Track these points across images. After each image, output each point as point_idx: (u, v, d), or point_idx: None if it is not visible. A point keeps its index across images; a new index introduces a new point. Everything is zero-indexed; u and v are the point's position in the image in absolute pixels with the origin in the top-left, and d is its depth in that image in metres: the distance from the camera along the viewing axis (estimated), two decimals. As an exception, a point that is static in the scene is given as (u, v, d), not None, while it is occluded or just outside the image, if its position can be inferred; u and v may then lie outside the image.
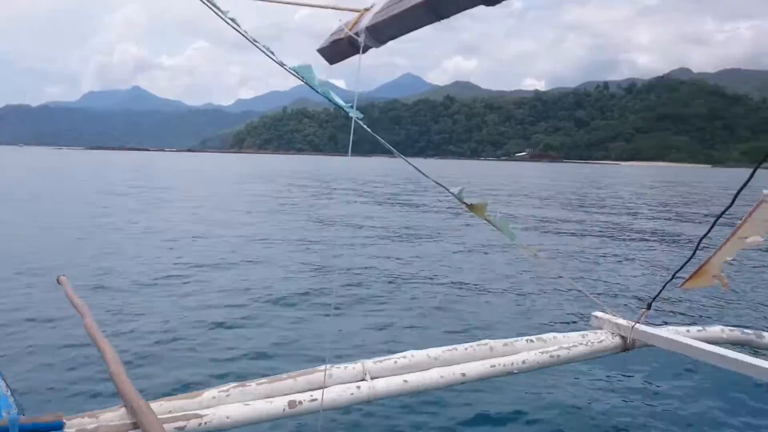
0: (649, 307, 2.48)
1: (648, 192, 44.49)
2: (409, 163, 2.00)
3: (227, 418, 1.62)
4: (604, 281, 10.82)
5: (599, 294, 8.85)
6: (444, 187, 1.80)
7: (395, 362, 2.00)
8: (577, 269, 11.84)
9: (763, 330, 2.93)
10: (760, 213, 2.01)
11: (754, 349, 2.84)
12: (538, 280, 10.14)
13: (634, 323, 2.46)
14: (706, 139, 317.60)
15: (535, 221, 21.06)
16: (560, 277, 10.05)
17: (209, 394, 1.70)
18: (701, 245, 2.03)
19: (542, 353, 2.37)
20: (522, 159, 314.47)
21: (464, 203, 1.88)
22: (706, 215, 24.04)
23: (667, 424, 4.83)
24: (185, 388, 4.96)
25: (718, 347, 2.34)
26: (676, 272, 2.26)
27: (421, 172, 1.94)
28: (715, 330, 2.74)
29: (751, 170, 1.65)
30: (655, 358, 5.74)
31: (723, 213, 1.98)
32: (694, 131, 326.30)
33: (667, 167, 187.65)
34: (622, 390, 5.45)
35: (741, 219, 2.09)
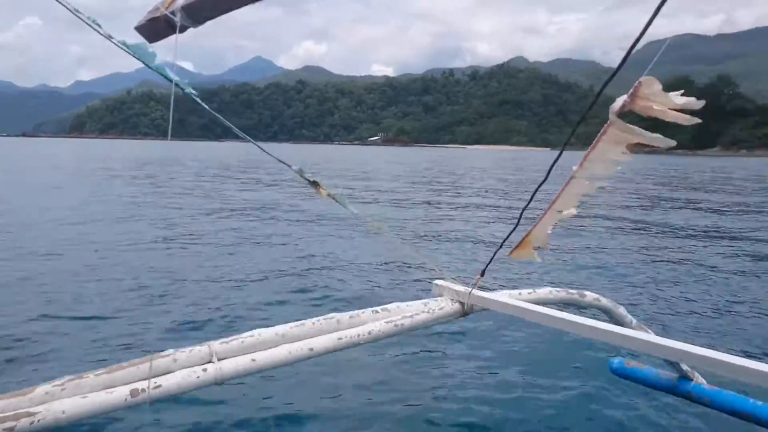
0: (482, 274, 2.60)
1: (492, 173, 46.71)
2: (252, 142, 2.03)
3: (63, 413, 1.54)
4: (447, 252, 11.20)
5: (441, 264, 9.45)
6: (286, 164, 1.82)
7: (242, 342, 2.00)
8: (422, 242, 12.15)
9: (586, 289, 3.03)
10: (571, 188, 2.15)
11: (578, 307, 3.00)
12: (383, 253, 10.33)
13: (471, 289, 2.61)
14: (543, 123, 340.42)
15: (386, 199, 21.57)
16: (402, 246, 10.50)
17: (42, 389, 1.59)
18: (525, 218, 2.22)
19: (387, 323, 2.44)
20: (375, 143, 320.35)
21: (307, 180, 1.92)
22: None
23: (503, 378, 5.11)
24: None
25: (546, 308, 2.53)
26: (503, 243, 2.41)
27: (264, 150, 1.94)
28: (544, 291, 2.90)
29: (584, 152, 1.80)
30: (495, 321, 6.13)
31: (538, 188, 2.14)
32: (532, 116, 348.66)
33: (509, 150, 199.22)
34: (462, 352, 5.69)
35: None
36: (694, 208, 21.58)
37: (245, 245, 11.78)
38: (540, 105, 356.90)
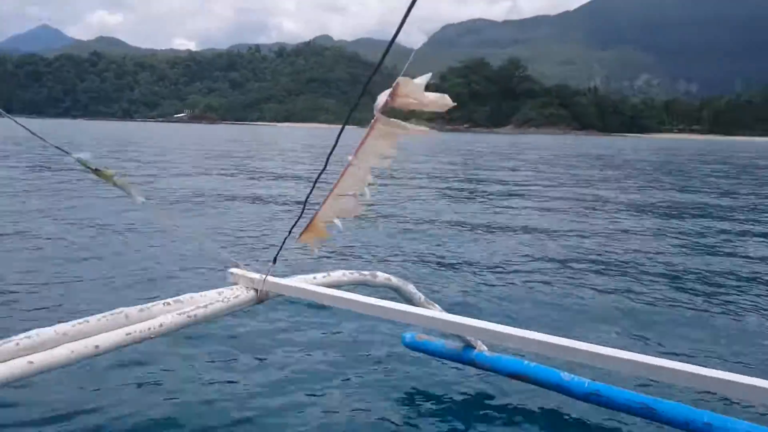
0: (274, 260, 2.64)
1: (300, 152, 44.69)
2: (20, 125, 1.85)
3: None
4: (242, 240, 10.29)
5: (239, 252, 8.71)
6: (65, 152, 1.66)
7: (17, 344, 1.86)
8: (215, 230, 11.25)
9: (378, 270, 3.34)
10: (349, 174, 2.27)
11: (371, 287, 3.22)
12: (175, 243, 9.35)
13: (264, 276, 2.64)
14: (350, 102, 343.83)
15: (185, 185, 18.65)
16: (196, 235, 9.80)
17: None
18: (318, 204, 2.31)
19: (179, 315, 2.40)
20: (181, 120, 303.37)
21: (90, 168, 1.78)
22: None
23: (304, 364, 4.84)
24: None
25: (340, 290, 2.61)
26: (291, 228, 2.46)
27: (37, 135, 1.76)
28: (338, 274, 3.03)
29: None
30: (294, 307, 5.88)
31: (319, 176, 2.21)
32: (339, 95, 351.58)
33: (319, 128, 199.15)
34: (260, 340, 5.32)
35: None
36: (481, 180, 22.04)
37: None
38: (347, 84, 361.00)
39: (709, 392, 2.26)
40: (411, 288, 3.35)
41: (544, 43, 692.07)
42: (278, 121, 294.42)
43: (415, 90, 2.08)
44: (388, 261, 8.78)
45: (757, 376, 1.48)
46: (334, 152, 2.21)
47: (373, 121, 2.20)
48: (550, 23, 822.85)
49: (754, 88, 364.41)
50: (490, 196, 17.86)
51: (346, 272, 3.09)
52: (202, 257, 8.39)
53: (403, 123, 2.23)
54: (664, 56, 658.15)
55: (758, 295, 7.44)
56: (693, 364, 1.56)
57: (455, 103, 2.21)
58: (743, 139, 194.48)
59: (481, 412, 3.90)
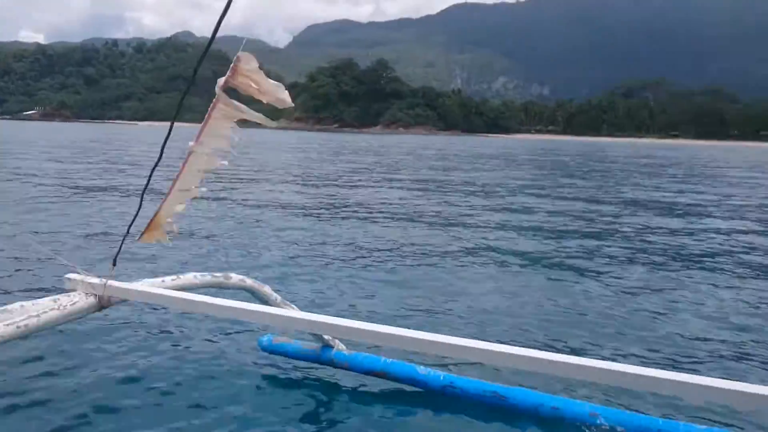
0: (114, 263, 2.48)
1: (148, 151, 42.69)
2: None
3: None
4: (79, 243, 9.58)
5: (74, 256, 8.01)
6: None
7: None
8: (48, 233, 10.39)
9: (232, 271, 3.26)
10: (192, 164, 2.16)
11: (225, 289, 3.13)
12: (7, 248, 8.72)
13: (106, 281, 2.46)
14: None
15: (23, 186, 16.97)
16: (29, 240, 9.15)
17: None
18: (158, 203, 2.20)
19: (8, 325, 2.23)
20: (31, 118, 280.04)
21: None
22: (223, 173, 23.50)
23: (147, 374, 4.55)
24: None
25: (190, 293, 2.47)
26: (129, 227, 2.31)
27: None
28: (189, 277, 2.89)
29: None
30: (140, 313, 5.46)
31: (154, 168, 2.10)
32: (204, 93, 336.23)
33: (184, 127, 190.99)
34: (101, 350, 4.92)
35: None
36: (338, 185, 22.13)
37: None
38: (212, 82, 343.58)
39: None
40: (267, 289, 3.24)
41: (407, 46, 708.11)
42: (139, 120, 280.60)
43: (255, 70, 1.96)
44: (242, 263, 8.56)
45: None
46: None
47: (214, 100, 2.06)
48: (413, 26, 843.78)
49: (599, 92, 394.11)
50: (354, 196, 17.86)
51: (198, 274, 2.93)
52: (34, 264, 7.80)
53: (242, 106, 2.12)
54: (519, 61, 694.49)
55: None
56: (551, 351, 1.55)
57: (293, 104, 2.07)
58: (592, 139, 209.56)
59: (341, 412, 3.91)
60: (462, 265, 8.68)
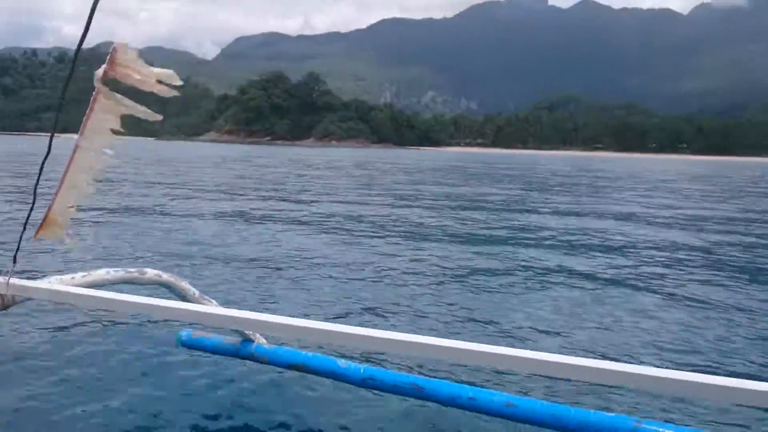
0: (14, 259, 2.36)
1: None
2: None
3: None
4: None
5: None
6: None
7: None
8: None
9: (147, 267, 3.15)
10: (80, 160, 2.09)
11: (140, 285, 3.04)
12: None
13: (8, 279, 2.35)
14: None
15: None
16: None
17: None
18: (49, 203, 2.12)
19: None
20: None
21: None
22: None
23: (58, 378, 4.42)
24: None
25: (102, 291, 2.37)
26: (25, 224, 2.25)
27: None
28: (101, 273, 2.77)
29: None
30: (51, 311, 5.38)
31: (43, 162, 2.07)
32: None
33: (118, 140, 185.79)
34: (17, 349, 4.83)
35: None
36: (262, 191, 22.72)
37: None
38: (137, 93, 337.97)
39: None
40: (184, 284, 3.14)
41: (337, 60, 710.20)
42: (59, 132, 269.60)
43: (135, 60, 1.93)
44: (158, 258, 8.55)
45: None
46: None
47: (94, 93, 2.03)
48: (343, 40, 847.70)
49: (524, 106, 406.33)
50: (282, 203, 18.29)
51: (110, 270, 2.80)
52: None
53: (125, 99, 2.09)
54: (447, 76, 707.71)
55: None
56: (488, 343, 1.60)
57: (180, 83, 2.05)
58: (519, 152, 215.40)
59: (261, 406, 3.92)
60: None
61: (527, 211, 18.63)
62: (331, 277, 8.24)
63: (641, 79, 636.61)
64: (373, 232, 12.68)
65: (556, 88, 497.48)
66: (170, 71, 2.03)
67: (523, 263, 9.78)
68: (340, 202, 19.49)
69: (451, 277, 8.58)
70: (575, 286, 8.25)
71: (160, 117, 2.08)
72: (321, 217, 15.04)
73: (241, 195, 20.69)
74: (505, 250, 11.03)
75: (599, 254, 11.08)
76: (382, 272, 8.71)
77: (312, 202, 19.15)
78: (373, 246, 10.92)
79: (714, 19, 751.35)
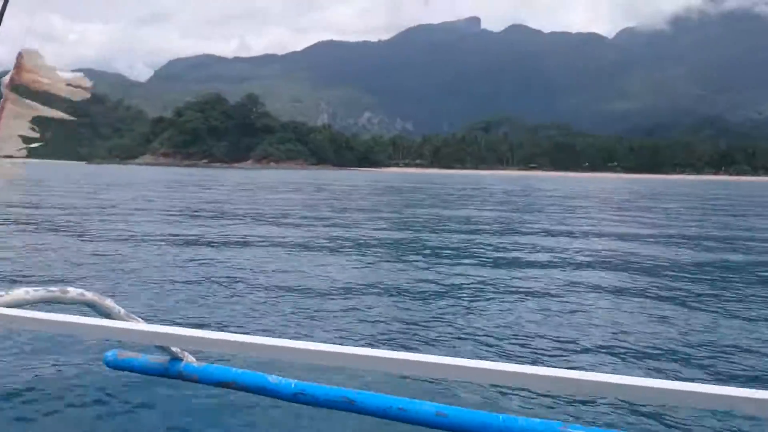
0: None
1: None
2: None
3: None
4: None
5: None
6: None
7: None
8: None
9: (70, 284, 3.03)
10: None
11: (63, 304, 2.86)
12: None
13: None
14: (73, 136, 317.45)
15: None
16: None
17: None
18: None
19: None
20: None
21: None
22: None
23: None
24: None
25: (22, 310, 2.27)
26: None
27: None
28: (20, 293, 2.63)
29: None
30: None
31: None
32: (58, 128, 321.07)
33: (29, 162, 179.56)
34: None
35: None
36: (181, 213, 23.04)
37: None
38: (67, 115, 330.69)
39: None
40: (109, 302, 2.89)
41: (273, 81, 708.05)
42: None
43: (43, 65, 1.93)
44: (81, 276, 8.49)
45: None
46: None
47: (2, 101, 2.02)
48: (279, 62, 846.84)
49: (459, 127, 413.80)
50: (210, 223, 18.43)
51: (30, 289, 2.62)
52: None
53: (33, 103, 2.06)
54: (382, 97, 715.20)
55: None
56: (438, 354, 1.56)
57: (90, 87, 2.07)
58: (458, 172, 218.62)
59: (190, 425, 3.90)
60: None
61: (485, 232, 19.06)
62: (270, 289, 8.44)
63: (572, 101, 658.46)
64: (318, 249, 13.19)
65: (491, 109, 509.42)
66: (80, 74, 2.02)
67: (459, 277, 10.23)
68: (282, 224, 19.60)
69: (388, 290, 8.97)
70: (507, 300, 8.62)
71: (72, 118, 2.09)
72: (259, 237, 15.17)
73: (178, 219, 20.51)
74: (449, 267, 11.47)
75: (547, 268, 11.70)
76: (317, 286, 8.95)
77: (249, 222, 19.27)
78: (318, 262, 11.31)
79: (638, 43, 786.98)
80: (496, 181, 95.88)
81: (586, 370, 5.24)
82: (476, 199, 39.43)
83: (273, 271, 10.40)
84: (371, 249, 13.80)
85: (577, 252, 14.11)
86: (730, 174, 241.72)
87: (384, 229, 18.81)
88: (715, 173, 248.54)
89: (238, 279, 9.34)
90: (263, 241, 14.29)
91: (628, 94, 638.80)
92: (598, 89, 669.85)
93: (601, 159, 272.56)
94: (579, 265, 12.20)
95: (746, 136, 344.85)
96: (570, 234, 18.23)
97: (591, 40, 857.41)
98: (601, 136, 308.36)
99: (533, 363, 5.37)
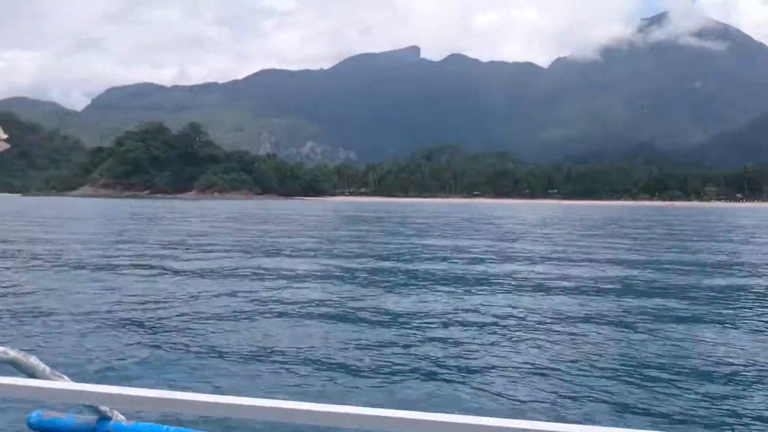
0: None
1: None
2: None
3: None
4: None
5: None
6: None
7: None
8: None
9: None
10: None
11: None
12: None
13: None
14: (5, 167, 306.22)
15: None
16: None
17: None
18: None
19: None
20: None
21: None
22: None
23: None
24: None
25: None
26: None
27: None
28: None
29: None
30: None
31: None
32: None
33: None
34: None
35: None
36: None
37: None
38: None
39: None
40: (33, 360, 2.87)
41: (214, 110, 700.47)
42: None
43: None
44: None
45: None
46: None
47: None
48: (220, 90, 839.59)
49: (401, 155, 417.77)
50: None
51: None
52: None
53: None
54: (325, 126, 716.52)
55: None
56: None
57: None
58: (404, 200, 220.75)
59: None
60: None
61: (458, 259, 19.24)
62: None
63: (510, 128, 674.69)
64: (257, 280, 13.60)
65: (432, 137, 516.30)
66: None
67: (388, 304, 10.87)
68: (209, 257, 19.62)
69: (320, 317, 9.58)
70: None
71: (4, 135, 1.95)
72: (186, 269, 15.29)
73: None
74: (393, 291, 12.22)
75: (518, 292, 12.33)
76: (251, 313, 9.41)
77: (180, 257, 19.47)
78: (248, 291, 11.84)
79: (572, 72, 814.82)
80: (450, 209, 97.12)
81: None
82: (450, 228, 40.00)
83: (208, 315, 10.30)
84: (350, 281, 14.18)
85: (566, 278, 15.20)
86: (664, 199, 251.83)
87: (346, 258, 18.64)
88: (650, 199, 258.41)
89: (180, 329, 9.03)
90: (214, 274, 14.48)
91: (564, 122, 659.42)
92: (535, 117, 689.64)
93: (541, 186, 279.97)
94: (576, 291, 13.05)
95: (676, 163, 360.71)
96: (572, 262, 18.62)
97: (527, 69, 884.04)
98: (541, 164, 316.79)
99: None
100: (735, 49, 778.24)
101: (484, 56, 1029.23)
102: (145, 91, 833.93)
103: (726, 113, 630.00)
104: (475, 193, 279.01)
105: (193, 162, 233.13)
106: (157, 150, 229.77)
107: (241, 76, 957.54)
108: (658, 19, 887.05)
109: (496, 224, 49.61)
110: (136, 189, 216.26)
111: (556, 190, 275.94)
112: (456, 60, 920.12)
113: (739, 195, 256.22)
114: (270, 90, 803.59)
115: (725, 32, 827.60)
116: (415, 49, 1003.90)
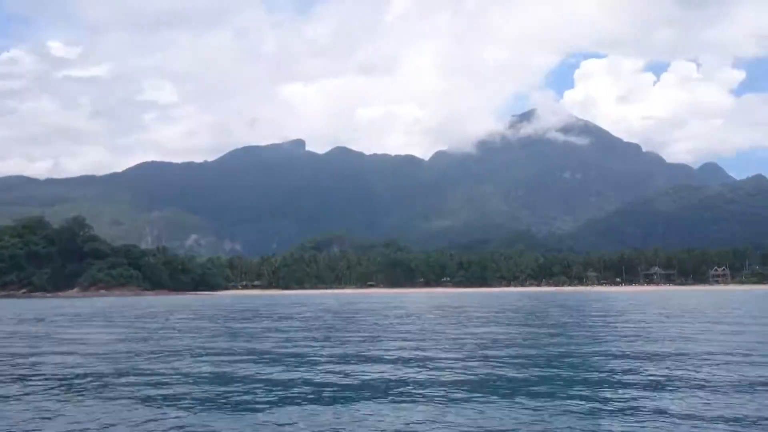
0: None
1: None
2: None
3: None
4: None
5: None
6: None
7: None
8: None
9: None
10: None
11: None
12: None
13: None
14: None
15: None
16: None
17: None
18: None
19: None
20: None
21: None
22: None
23: None
24: None
25: None
26: None
27: None
28: None
29: None
30: None
31: None
32: None
33: None
34: None
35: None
36: None
37: None
38: None
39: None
40: None
41: (91, 203, 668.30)
42: None
43: None
44: None
45: None
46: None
47: None
48: (97, 184, 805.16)
49: (288, 246, 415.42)
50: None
51: None
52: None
53: None
54: (209, 218, 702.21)
55: None
56: None
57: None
58: (296, 292, 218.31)
59: None
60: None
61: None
62: None
63: (395, 218, 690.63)
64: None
65: (319, 228, 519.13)
66: None
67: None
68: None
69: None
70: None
71: None
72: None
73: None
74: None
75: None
76: None
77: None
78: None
79: (451, 164, 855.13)
80: (357, 299, 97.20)
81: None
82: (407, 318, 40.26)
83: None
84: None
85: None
86: (550, 285, 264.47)
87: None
88: (538, 284, 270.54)
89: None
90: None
91: (445, 212, 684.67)
92: (419, 207, 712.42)
93: (434, 274, 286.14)
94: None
95: (552, 249, 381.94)
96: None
97: (408, 161, 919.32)
98: (431, 252, 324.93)
99: None
100: (596, 144, 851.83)
101: (368, 149, 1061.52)
102: (16, 185, 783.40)
103: (593, 202, 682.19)
104: (370, 283, 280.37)
105: (75, 258, 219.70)
106: (36, 246, 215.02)
107: (120, 168, 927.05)
108: (528, 116, 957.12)
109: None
110: (11, 288, 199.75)
111: (448, 278, 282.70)
112: (340, 152, 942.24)
113: (618, 279, 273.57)
114: (151, 182, 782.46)
115: (586, 128, 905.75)
116: (300, 142, 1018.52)
